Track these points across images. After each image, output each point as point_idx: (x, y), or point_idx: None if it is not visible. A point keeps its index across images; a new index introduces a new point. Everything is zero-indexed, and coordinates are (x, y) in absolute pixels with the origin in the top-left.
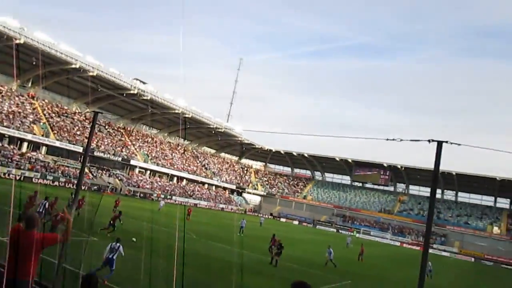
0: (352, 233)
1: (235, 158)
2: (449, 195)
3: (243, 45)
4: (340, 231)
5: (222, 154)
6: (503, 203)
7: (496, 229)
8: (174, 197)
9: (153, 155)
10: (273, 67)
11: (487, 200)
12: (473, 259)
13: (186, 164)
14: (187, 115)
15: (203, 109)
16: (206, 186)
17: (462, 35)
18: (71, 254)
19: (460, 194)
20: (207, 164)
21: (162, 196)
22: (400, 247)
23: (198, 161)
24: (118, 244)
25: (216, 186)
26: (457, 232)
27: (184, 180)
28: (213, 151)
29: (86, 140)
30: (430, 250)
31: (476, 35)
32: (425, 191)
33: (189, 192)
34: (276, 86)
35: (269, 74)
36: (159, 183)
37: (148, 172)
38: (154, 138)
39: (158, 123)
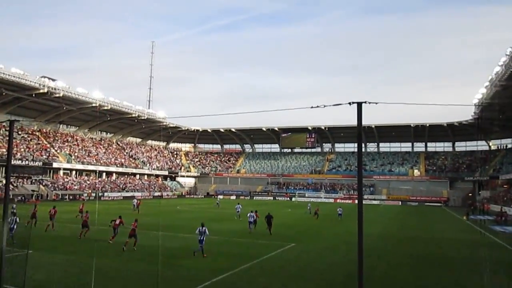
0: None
1: (162, 143)
2: (372, 147)
3: (152, 27)
4: (277, 198)
5: (149, 142)
6: (419, 147)
7: (416, 172)
8: (106, 193)
9: (76, 154)
10: (187, 46)
11: (405, 147)
12: (400, 203)
13: (113, 158)
14: (105, 107)
15: (121, 99)
16: (137, 176)
17: None
18: (11, 272)
19: (381, 144)
20: (135, 154)
21: (93, 194)
22: (334, 203)
23: (125, 153)
24: (204, 228)
25: (148, 175)
26: (383, 180)
27: (114, 174)
28: (139, 140)
29: None
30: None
31: None
32: (350, 147)
33: (121, 186)
34: (193, 65)
35: (184, 54)
36: (88, 182)
37: (74, 172)
38: (74, 136)
39: (76, 120)
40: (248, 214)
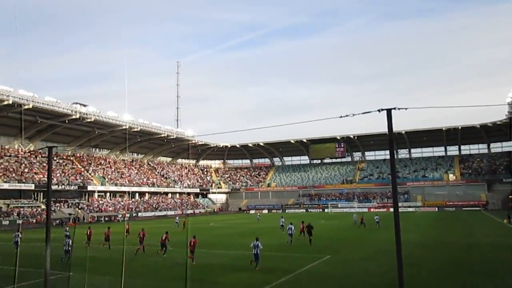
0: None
1: (192, 161)
2: (403, 153)
3: (176, 48)
4: (309, 210)
5: (179, 160)
6: (453, 150)
7: (451, 176)
8: (140, 214)
9: (109, 176)
10: (210, 64)
11: (438, 151)
12: (436, 209)
13: (145, 178)
14: (135, 129)
15: (150, 120)
16: (169, 195)
17: (376, 1)
18: None
19: (413, 150)
20: (166, 173)
21: (128, 215)
22: (368, 212)
23: (156, 172)
24: (257, 242)
25: (180, 193)
26: (417, 186)
27: (146, 194)
28: (169, 159)
29: (35, 177)
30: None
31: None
32: (380, 155)
33: (154, 205)
34: (218, 82)
35: (208, 71)
36: (122, 203)
37: (108, 194)
38: (107, 159)
39: (107, 143)
40: (288, 227)
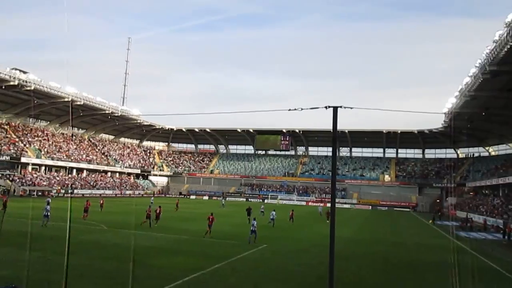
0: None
1: (136, 141)
2: (344, 151)
3: (127, 23)
4: (249, 199)
5: (122, 139)
6: (390, 153)
7: (387, 177)
8: (76, 191)
9: (46, 149)
10: (163, 45)
11: (377, 152)
12: (370, 207)
13: (84, 154)
14: (78, 102)
15: (95, 95)
16: (109, 174)
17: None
18: None
19: (353, 149)
20: (107, 151)
21: (63, 191)
22: (305, 206)
23: (97, 150)
24: (254, 222)
25: (120, 173)
26: (355, 184)
27: (84, 171)
28: (111, 137)
29: None
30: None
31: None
32: (323, 151)
33: (91, 183)
34: (169, 64)
35: (160, 52)
36: (57, 178)
37: (43, 168)
38: (44, 131)
39: (47, 115)
40: (271, 213)
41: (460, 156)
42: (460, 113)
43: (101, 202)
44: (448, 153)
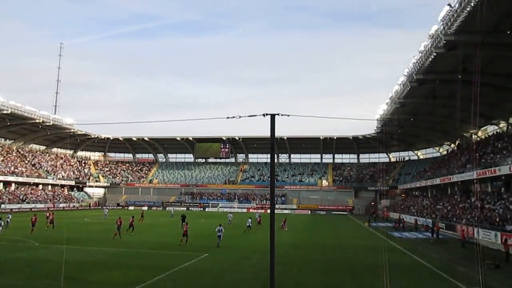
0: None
1: (69, 152)
2: (283, 158)
3: (59, 28)
4: (190, 208)
5: (54, 150)
6: (327, 158)
7: (325, 182)
8: (3, 205)
9: None
10: (97, 51)
11: (315, 158)
12: (309, 212)
13: (12, 167)
14: (4, 111)
15: (24, 103)
16: (40, 187)
17: (273, 9)
18: None
19: (292, 156)
20: (38, 163)
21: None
22: (247, 213)
23: (26, 161)
24: (221, 227)
25: (53, 185)
26: (294, 190)
27: (13, 184)
28: (43, 147)
29: None
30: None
31: (284, 9)
32: (262, 158)
33: (21, 197)
34: (104, 71)
35: (94, 58)
36: None
37: None
38: None
39: None
40: (217, 228)
41: (392, 160)
42: (391, 119)
43: (50, 216)
44: (381, 158)
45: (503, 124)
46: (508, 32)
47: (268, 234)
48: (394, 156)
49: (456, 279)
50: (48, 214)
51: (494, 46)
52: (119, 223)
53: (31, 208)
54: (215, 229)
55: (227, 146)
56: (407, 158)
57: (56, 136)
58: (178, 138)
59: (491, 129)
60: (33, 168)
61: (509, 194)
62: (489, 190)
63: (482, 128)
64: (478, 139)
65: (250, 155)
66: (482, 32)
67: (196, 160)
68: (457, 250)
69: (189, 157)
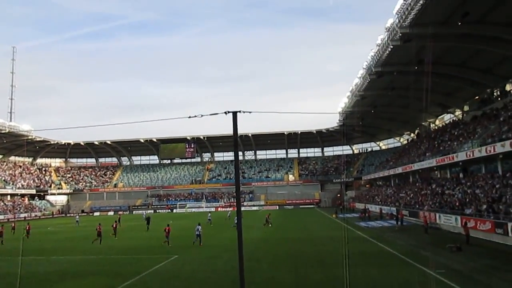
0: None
1: (28, 159)
2: (249, 155)
3: (11, 31)
4: (157, 210)
5: (12, 158)
6: (293, 153)
7: (291, 177)
8: None
9: None
10: (52, 54)
11: (280, 154)
12: (277, 207)
13: None
14: None
15: None
16: None
17: (232, 7)
18: None
19: (258, 152)
20: None
21: None
22: (215, 212)
23: None
24: (199, 226)
25: (12, 195)
26: (261, 186)
27: None
28: None
29: None
30: (242, 208)
31: (243, 7)
32: (228, 156)
33: None
34: (61, 74)
35: (50, 61)
36: None
37: None
38: None
39: None
40: (196, 228)
41: (355, 151)
42: (353, 111)
43: (27, 227)
44: (345, 150)
45: (458, 112)
46: (459, 23)
47: (231, 232)
48: (357, 148)
49: (420, 263)
50: (27, 226)
51: (446, 37)
52: (99, 229)
53: None
54: (194, 228)
55: (192, 146)
56: (369, 149)
57: (13, 144)
58: (142, 140)
59: (447, 117)
60: None
61: (467, 179)
62: (448, 176)
63: (439, 117)
64: (436, 127)
65: (216, 154)
66: (435, 24)
67: (161, 162)
68: (421, 235)
69: (154, 159)
